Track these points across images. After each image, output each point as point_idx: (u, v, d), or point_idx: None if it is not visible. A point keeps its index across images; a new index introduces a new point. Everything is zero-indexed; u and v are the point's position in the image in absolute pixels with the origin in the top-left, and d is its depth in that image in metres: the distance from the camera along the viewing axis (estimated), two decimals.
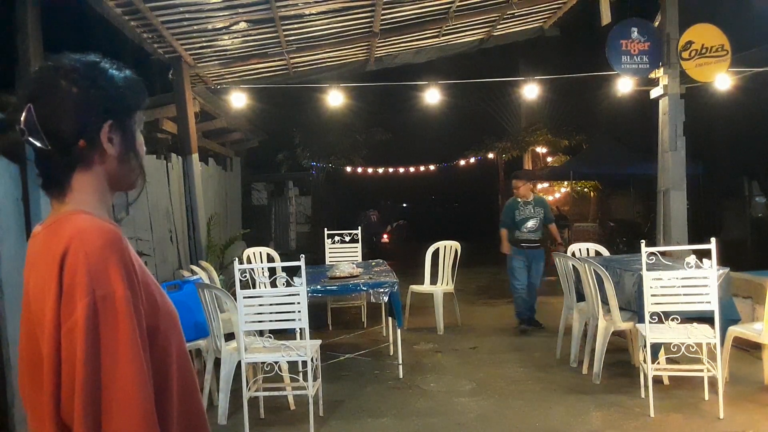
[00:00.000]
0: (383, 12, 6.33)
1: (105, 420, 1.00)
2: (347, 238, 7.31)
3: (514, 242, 6.96)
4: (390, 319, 5.84)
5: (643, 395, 4.42)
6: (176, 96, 6.75)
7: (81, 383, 1.00)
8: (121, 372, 1.01)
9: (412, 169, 22.81)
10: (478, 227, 22.54)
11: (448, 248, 7.14)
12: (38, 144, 1.12)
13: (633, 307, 4.79)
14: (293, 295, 4.13)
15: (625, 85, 7.46)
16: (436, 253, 7.24)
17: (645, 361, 4.32)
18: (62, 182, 1.15)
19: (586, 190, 16.71)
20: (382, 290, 5.06)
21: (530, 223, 6.96)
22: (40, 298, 1.08)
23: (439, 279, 7.20)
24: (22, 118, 1.12)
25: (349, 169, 17.08)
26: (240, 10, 5.59)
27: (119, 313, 1.03)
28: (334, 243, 7.35)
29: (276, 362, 4.32)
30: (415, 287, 7.28)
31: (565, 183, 16.68)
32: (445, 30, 7.44)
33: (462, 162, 20.71)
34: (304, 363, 4.16)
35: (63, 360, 1.02)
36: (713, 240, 4.07)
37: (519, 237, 6.97)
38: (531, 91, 8.36)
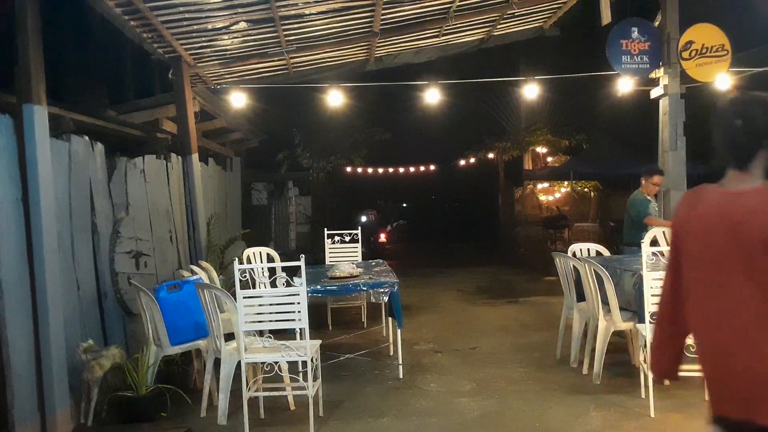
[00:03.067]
0: (383, 12, 6.33)
1: None
2: (347, 238, 7.30)
3: (638, 244, 5.36)
4: (390, 319, 5.83)
5: (643, 395, 4.41)
6: (176, 96, 6.75)
7: None
8: None
9: (412, 169, 22.83)
10: (478, 227, 22.59)
11: None
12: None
13: (633, 307, 4.79)
14: (293, 295, 4.13)
15: (625, 85, 7.47)
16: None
17: (645, 361, 4.32)
18: (750, 165, 1.90)
19: (586, 190, 16.73)
20: (382, 290, 5.05)
21: None
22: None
23: None
24: (754, 124, 1.88)
25: (349, 169, 17.09)
26: (240, 10, 5.59)
27: None
28: (334, 243, 7.35)
29: (276, 362, 4.31)
30: None
31: (566, 183, 16.70)
32: (445, 30, 7.43)
33: (462, 162, 20.72)
34: (304, 363, 4.16)
35: None
36: None
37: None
38: (531, 90, 8.36)
